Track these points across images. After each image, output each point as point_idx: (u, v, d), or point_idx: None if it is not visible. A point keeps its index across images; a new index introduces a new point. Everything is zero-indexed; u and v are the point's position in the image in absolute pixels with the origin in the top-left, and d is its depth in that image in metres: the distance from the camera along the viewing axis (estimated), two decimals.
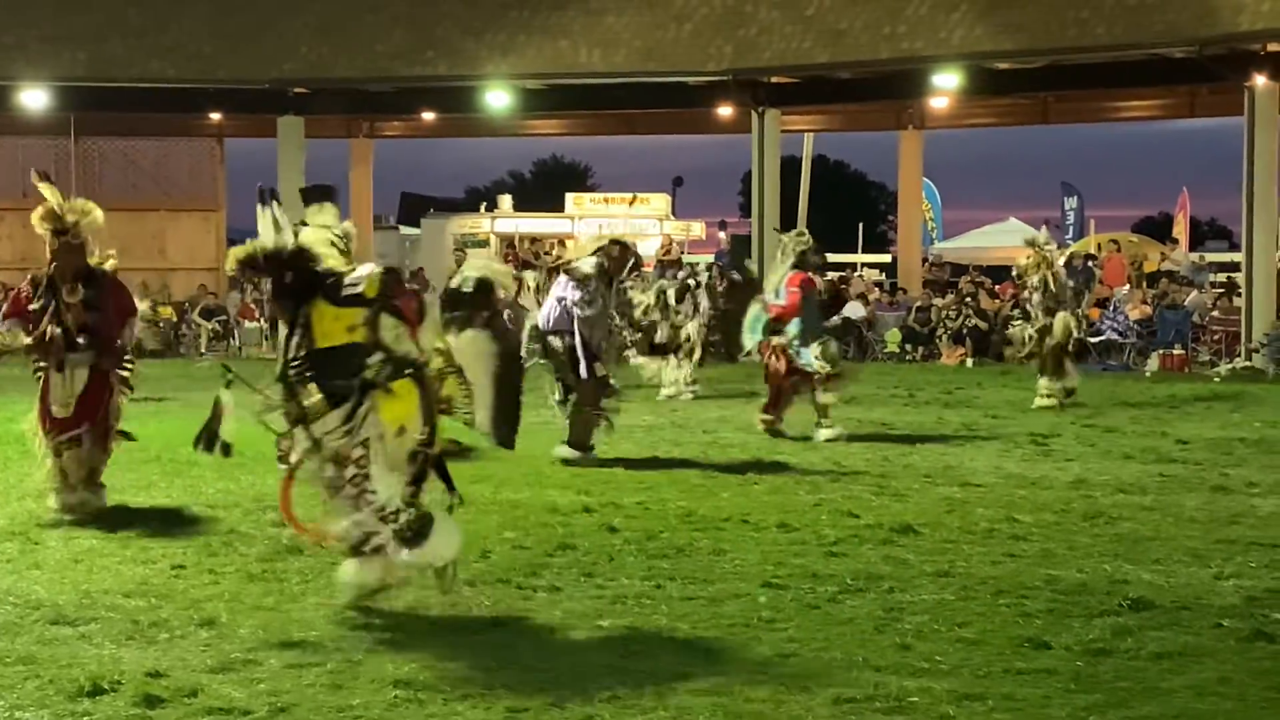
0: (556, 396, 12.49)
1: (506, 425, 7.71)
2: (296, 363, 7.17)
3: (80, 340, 9.77)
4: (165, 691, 5.76)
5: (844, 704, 5.68)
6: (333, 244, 7.28)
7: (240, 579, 7.82)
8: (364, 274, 7.13)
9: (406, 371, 7.14)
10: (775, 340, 13.99)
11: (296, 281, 7.15)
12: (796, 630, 6.79)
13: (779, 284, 14.15)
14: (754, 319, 14.20)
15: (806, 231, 14.80)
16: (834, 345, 14.26)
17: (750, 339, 14.25)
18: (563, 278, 12.77)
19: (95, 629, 6.78)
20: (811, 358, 13.82)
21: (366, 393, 7.07)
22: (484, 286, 7.75)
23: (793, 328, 13.92)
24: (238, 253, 7.24)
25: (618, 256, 12.68)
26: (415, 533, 7.10)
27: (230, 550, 8.53)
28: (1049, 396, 16.94)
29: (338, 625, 6.92)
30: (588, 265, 12.48)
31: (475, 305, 7.67)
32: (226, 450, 7.48)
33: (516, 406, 7.77)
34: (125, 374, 10.08)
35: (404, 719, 5.52)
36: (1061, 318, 16.92)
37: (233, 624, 6.86)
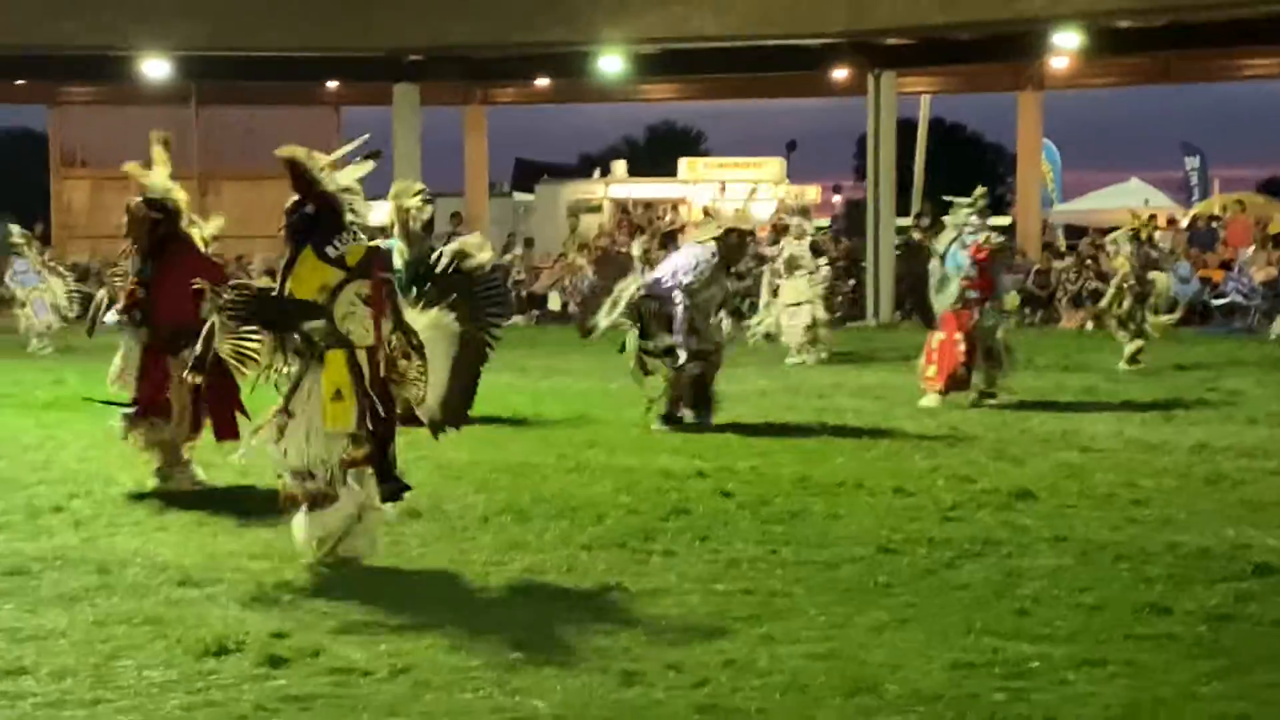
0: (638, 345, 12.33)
1: (451, 415, 7.65)
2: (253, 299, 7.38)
3: (135, 314, 9.56)
4: (288, 651, 5.86)
5: (962, 669, 5.65)
6: (401, 211, 7.35)
7: None
8: (355, 242, 7.29)
9: (339, 346, 7.21)
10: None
11: (310, 214, 7.35)
12: (913, 595, 6.77)
13: (954, 251, 13.76)
14: (945, 283, 13.73)
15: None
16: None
17: (940, 304, 13.76)
18: (688, 248, 12.74)
19: (220, 590, 6.91)
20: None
21: (312, 350, 7.25)
22: (463, 269, 7.77)
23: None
24: (287, 150, 7.48)
25: (735, 244, 12.54)
26: (313, 502, 7.29)
27: None
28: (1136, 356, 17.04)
29: (456, 588, 7.01)
30: (707, 251, 12.34)
31: (449, 287, 7.71)
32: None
33: (468, 397, 7.74)
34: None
35: (521, 681, 5.56)
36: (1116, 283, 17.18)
37: (354, 586, 6.96)
